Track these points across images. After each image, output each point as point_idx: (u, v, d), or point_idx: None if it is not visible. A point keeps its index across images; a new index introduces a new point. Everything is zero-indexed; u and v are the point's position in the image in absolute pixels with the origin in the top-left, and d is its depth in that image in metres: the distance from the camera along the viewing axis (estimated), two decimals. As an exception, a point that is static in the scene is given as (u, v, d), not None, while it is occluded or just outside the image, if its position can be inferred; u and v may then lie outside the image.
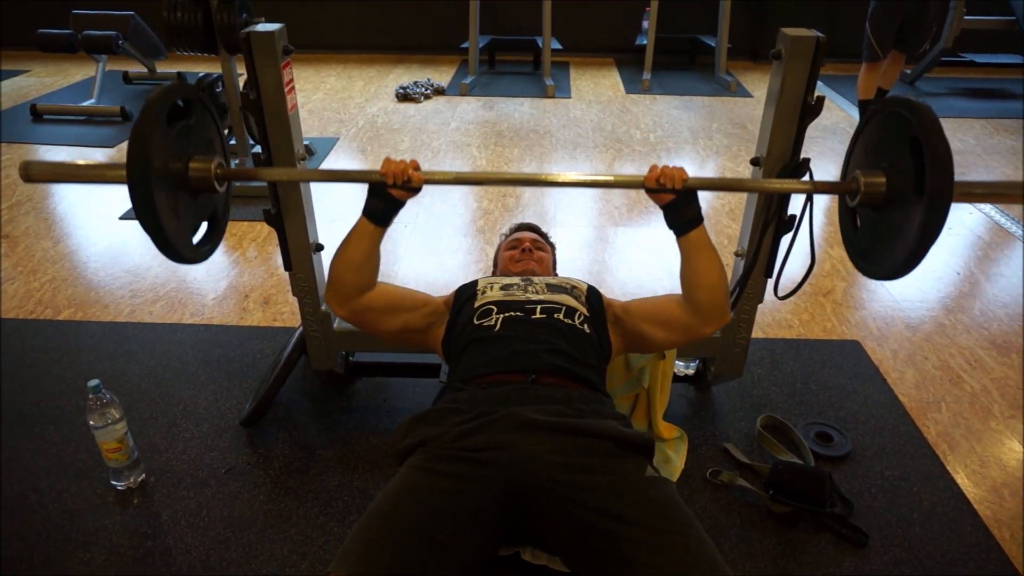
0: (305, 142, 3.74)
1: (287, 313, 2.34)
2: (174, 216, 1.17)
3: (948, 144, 1.07)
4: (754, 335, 2.21)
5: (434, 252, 2.81)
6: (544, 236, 1.80)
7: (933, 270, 2.60)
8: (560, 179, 1.33)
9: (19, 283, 2.50)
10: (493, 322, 1.31)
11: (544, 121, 4.36)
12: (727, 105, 4.69)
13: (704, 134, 4.12)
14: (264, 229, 2.92)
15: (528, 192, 3.31)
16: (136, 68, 5.00)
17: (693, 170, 3.45)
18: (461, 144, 3.95)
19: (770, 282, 1.60)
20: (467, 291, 1.45)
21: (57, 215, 3.03)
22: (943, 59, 5.10)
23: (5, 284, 2.49)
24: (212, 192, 1.23)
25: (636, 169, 3.60)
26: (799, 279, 1.53)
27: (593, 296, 1.45)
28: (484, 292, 1.41)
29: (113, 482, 1.62)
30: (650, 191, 1.27)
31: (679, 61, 5.73)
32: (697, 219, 1.29)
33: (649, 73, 5.12)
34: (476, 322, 1.33)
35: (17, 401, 1.91)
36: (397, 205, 1.29)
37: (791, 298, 2.40)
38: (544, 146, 3.93)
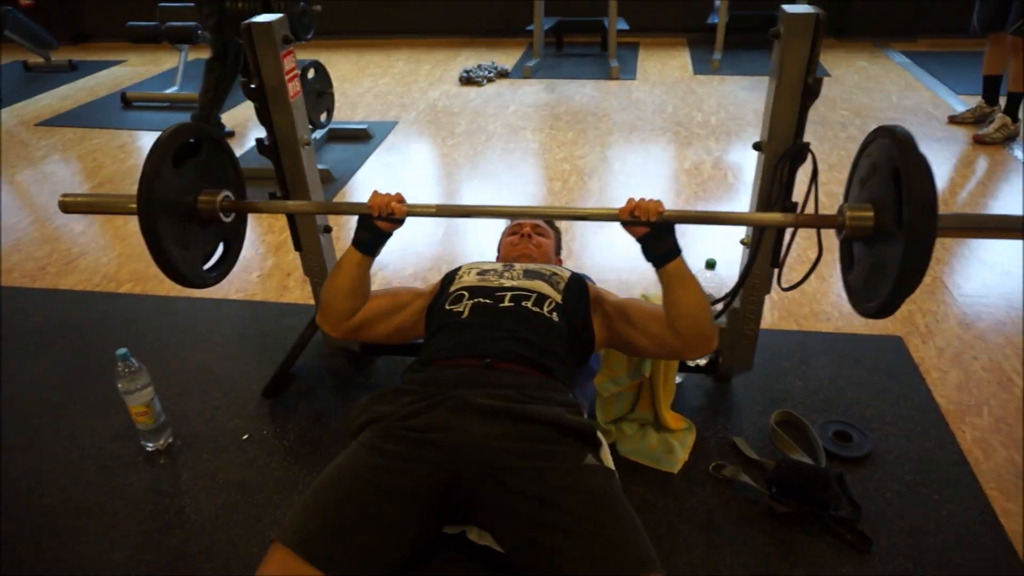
0: (364, 126, 3.89)
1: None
2: (183, 246, 1.30)
3: (929, 176, 1.00)
4: (788, 327, 2.14)
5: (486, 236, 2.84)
6: (548, 222, 1.79)
7: (1000, 263, 2.39)
8: (540, 211, 1.39)
9: (91, 258, 2.73)
10: (462, 308, 1.33)
11: (604, 103, 4.29)
12: (800, 85, 4.44)
13: (770, 116, 3.93)
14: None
15: (592, 177, 3.28)
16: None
17: (749, 156, 3.33)
18: (516, 128, 3.95)
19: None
20: (450, 276, 1.47)
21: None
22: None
23: (78, 259, 2.72)
24: (216, 223, 1.32)
25: (693, 153, 3.49)
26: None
27: (575, 285, 1.43)
28: (461, 277, 1.43)
29: (143, 443, 1.76)
30: (624, 224, 1.26)
31: (755, 40, 5.46)
32: (673, 251, 1.26)
33: (720, 53, 4.93)
34: (447, 307, 1.35)
35: (73, 367, 2.10)
36: (383, 235, 1.35)
37: (830, 290, 2.29)
38: (600, 129, 3.87)
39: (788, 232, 1.44)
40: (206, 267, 1.43)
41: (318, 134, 3.69)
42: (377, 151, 3.69)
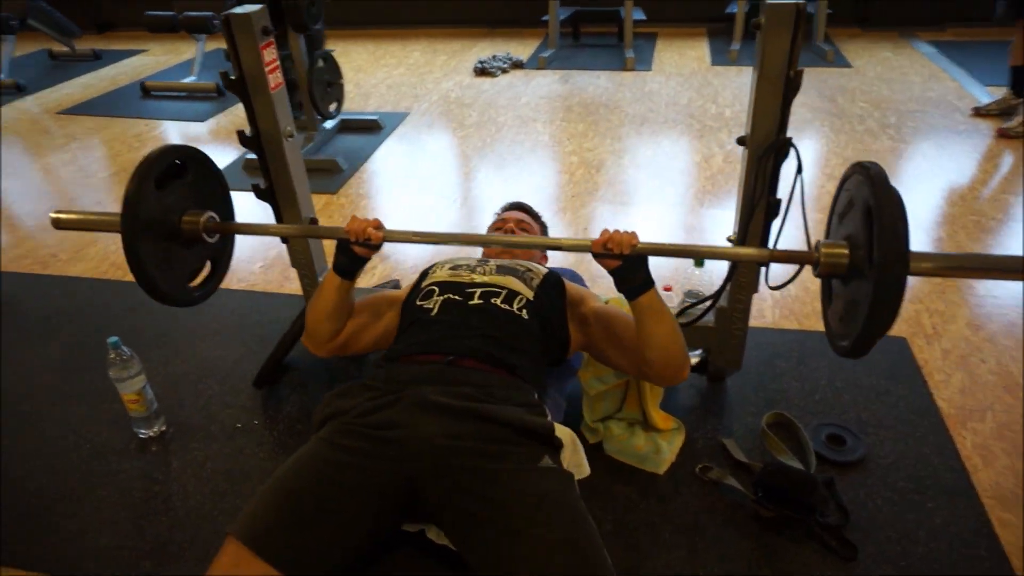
0: (374, 117, 3.88)
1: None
2: (166, 265, 1.33)
3: (900, 216, 0.97)
4: (789, 325, 2.10)
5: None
6: (535, 216, 1.76)
7: (1016, 263, 2.31)
8: (516, 241, 1.42)
9: (100, 246, 2.77)
10: (432, 304, 1.33)
11: (617, 95, 4.23)
12: (820, 76, 4.34)
13: (786, 108, 3.84)
14: (319, 202, 3.04)
15: (600, 170, 3.25)
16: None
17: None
18: (527, 119, 3.92)
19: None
20: (426, 271, 1.46)
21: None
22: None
23: (88, 247, 2.77)
24: (200, 243, 1.34)
25: (704, 146, 3.43)
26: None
27: (551, 283, 1.41)
28: (434, 272, 1.42)
29: (136, 430, 1.78)
30: (596, 256, 1.24)
31: (777, 29, 5.35)
32: (646, 284, 1.24)
33: (739, 43, 4.83)
34: (418, 303, 1.34)
35: (75, 353, 2.13)
36: (360, 260, 1.34)
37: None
38: (611, 121, 3.82)
39: (775, 227, 1.40)
40: (192, 284, 1.46)
41: (328, 124, 3.70)
42: (387, 142, 3.69)
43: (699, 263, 1.70)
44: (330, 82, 3.52)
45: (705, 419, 1.74)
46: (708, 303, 1.50)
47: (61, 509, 1.59)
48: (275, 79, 1.47)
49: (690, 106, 3.97)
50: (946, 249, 2.43)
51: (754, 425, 1.71)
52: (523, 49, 5.28)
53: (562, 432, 1.27)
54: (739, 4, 4.79)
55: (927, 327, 2.04)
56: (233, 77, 1.45)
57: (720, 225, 2.64)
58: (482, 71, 4.79)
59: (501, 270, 1.40)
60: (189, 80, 4.67)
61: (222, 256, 1.52)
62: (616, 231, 1.24)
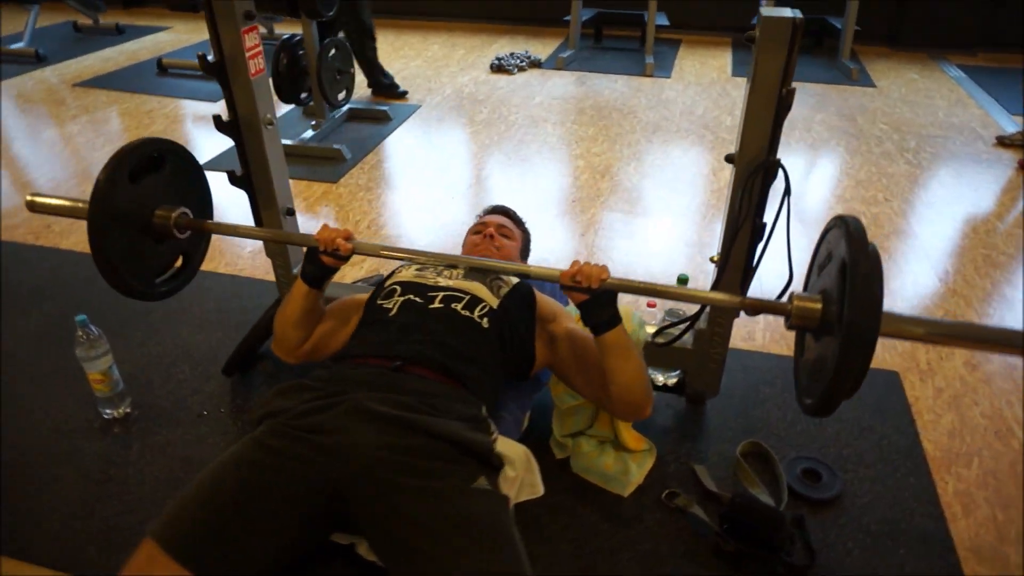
0: (384, 108, 3.85)
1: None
2: (134, 258, 1.31)
3: (875, 273, 0.92)
4: (779, 351, 2.03)
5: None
6: (517, 221, 1.71)
7: (1024, 301, 2.23)
8: (485, 264, 1.34)
9: (95, 220, 2.75)
10: (391, 305, 1.29)
11: (633, 101, 4.16)
12: (842, 95, 4.24)
13: (803, 125, 3.75)
14: (318, 190, 3.02)
15: (605, 176, 3.19)
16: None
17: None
18: (538, 119, 3.86)
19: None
20: (395, 270, 1.42)
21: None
22: None
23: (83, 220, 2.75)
24: (173, 239, 1.31)
25: (714, 159, 3.35)
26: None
27: (521, 294, 1.36)
28: (401, 270, 1.38)
29: (101, 410, 1.76)
30: (564, 288, 1.20)
31: (803, 44, 5.23)
32: (613, 320, 1.21)
33: (762, 55, 4.73)
34: (378, 302, 1.30)
35: (53, 327, 2.12)
36: (328, 270, 1.32)
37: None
38: (622, 127, 3.75)
39: (758, 253, 1.34)
40: (160, 279, 1.44)
41: (337, 113, 3.67)
42: (394, 134, 3.65)
43: (682, 280, 1.64)
44: (340, 70, 3.49)
45: (679, 442, 1.68)
46: (686, 324, 1.44)
47: (15, 486, 1.57)
48: (255, 65, 1.43)
49: (705, 116, 3.90)
50: (951, 283, 2.35)
51: (729, 452, 1.65)
52: (543, 48, 5.22)
53: (515, 450, 1.22)
54: (765, 16, 4.68)
55: (922, 362, 1.96)
56: (212, 60, 1.41)
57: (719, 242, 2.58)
58: (499, 68, 4.74)
59: (469, 275, 1.35)
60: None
61: (195, 252, 1.50)
62: (587, 263, 1.20)
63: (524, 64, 4.82)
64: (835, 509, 1.51)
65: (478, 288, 1.32)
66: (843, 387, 0.96)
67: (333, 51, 3.38)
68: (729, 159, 1.32)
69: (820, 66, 4.78)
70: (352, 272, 2.39)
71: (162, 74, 4.65)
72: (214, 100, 4.16)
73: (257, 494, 0.98)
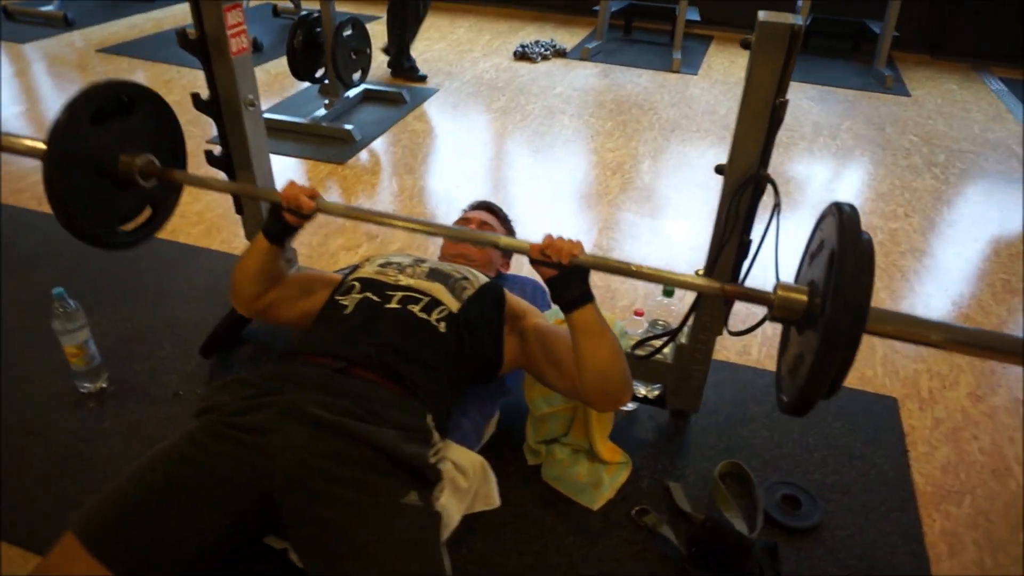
0: (399, 90, 3.80)
1: (304, 255, 2.38)
2: (95, 203, 1.27)
3: (864, 264, 0.85)
4: (773, 367, 1.94)
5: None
6: (502, 218, 1.66)
7: (1041, 333, 2.12)
8: (454, 234, 1.31)
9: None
10: (348, 302, 1.24)
11: (654, 96, 4.06)
12: (873, 102, 4.09)
13: (829, 132, 3.62)
14: (323, 171, 2.98)
15: (616, 173, 3.11)
16: (284, 3, 5.31)
17: (785, 172, 3.08)
18: (555, 110, 3.79)
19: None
20: (359, 264, 1.37)
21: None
22: None
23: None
24: (137, 186, 1.27)
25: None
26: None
27: (488, 296, 1.30)
28: (363, 266, 1.33)
29: (77, 383, 1.75)
30: (533, 262, 1.14)
31: (838, 47, 5.08)
32: (583, 298, 1.14)
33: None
34: (336, 297, 1.26)
35: (47, 295, 2.11)
36: (290, 228, 1.28)
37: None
38: (640, 123, 3.66)
39: (744, 271, 1.27)
40: (125, 229, 1.40)
41: (351, 93, 3.63)
42: (407, 117, 3.61)
43: (667, 292, 1.57)
44: (356, 50, 3.44)
45: (657, 457, 1.63)
46: (665, 338, 1.37)
47: (-17, 455, 1.57)
48: (238, 43, 1.39)
49: (728, 117, 3.78)
50: (965, 308, 2.24)
51: (708, 471, 1.59)
52: (570, 38, 5.12)
53: (468, 459, 1.18)
54: (802, 14, 4.54)
55: (923, 390, 1.87)
56: (192, 36, 1.38)
57: (675, 251, 2.53)
58: (522, 55, 4.66)
59: (432, 275, 1.30)
60: (229, 32, 4.66)
61: (164, 203, 1.45)
62: (559, 238, 1.14)
63: (548, 53, 4.73)
64: (812, 540, 1.44)
65: (439, 290, 1.27)
66: (820, 385, 0.90)
67: (349, 30, 3.34)
68: (719, 170, 1.25)
69: (854, 71, 4.62)
70: (344, 259, 2.36)
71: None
72: (233, 73, 4.15)
73: (182, 492, 0.95)
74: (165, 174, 1.33)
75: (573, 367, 1.21)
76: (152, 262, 2.30)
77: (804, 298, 1.00)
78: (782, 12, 1.14)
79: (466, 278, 1.32)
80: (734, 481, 1.57)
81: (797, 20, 1.11)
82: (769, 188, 1.21)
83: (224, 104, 1.45)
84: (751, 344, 2.01)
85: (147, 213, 1.44)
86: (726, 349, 1.97)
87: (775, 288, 1.04)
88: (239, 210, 1.62)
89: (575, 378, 1.21)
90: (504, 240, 1.17)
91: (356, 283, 1.28)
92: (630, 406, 1.73)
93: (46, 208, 2.55)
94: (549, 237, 1.14)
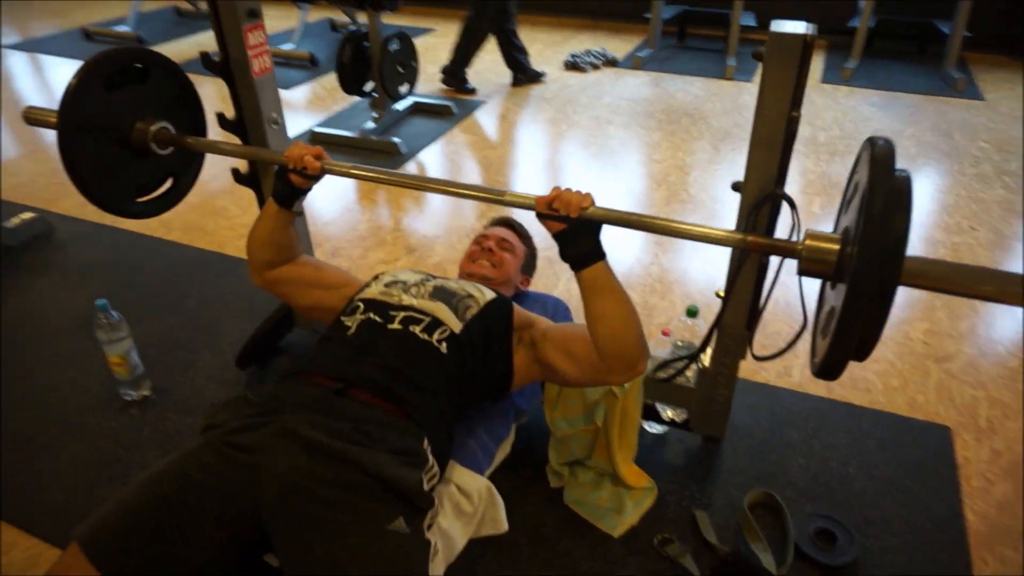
0: (447, 103, 3.83)
1: (344, 266, 2.42)
2: (110, 171, 1.29)
3: (896, 203, 0.76)
4: (815, 391, 1.86)
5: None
6: (523, 235, 1.63)
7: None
8: (446, 188, 1.23)
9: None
10: (351, 323, 1.25)
11: (706, 105, 3.96)
12: (941, 107, 3.87)
13: (891, 140, 3.44)
14: (368, 184, 3.03)
15: (661, 185, 3.05)
16: (342, 17, 5.45)
17: (840, 183, 2.93)
18: (602, 121, 3.74)
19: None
20: (369, 281, 1.38)
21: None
22: None
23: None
24: (154, 154, 1.31)
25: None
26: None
27: (494, 313, 1.28)
28: (370, 285, 1.34)
29: (121, 391, 1.82)
30: (540, 216, 1.10)
31: (905, 49, 4.84)
32: (594, 254, 1.10)
33: (856, 60, 4.40)
34: (341, 318, 1.26)
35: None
36: (296, 190, 1.30)
37: (879, 354, 1.96)
38: (690, 132, 3.58)
39: (765, 290, 1.21)
40: (145, 199, 1.43)
41: (400, 106, 3.69)
42: (453, 129, 3.63)
43: (691, 313, 1.52)
44: (403, 63, 3.49)
45: (684, 483, 1.57)
46: (685, 360, 1.32)
47: (32, 459, 1.65)
48: (260, 64, 1.43)
49: (782, 125, 3.65)
50: (1034, 329, 2.08)
51: (737, 500, 1.52)
52: (622, 46, 5.07)
53: (474, 483, 1.16)
54: (863, 18, 4.35)
55: (981, 419, 1.75)
56: (217, 59, 1.42)
57: (703, 271, 2.42)
58: (573, 65, 4.63)
59: (436, 294, 1.29)
60: (287, 47, 4.81)
61: (185, 173, 1.48)
62: (567, 190, 1.10)
63: (599, 62, 4.69)
64: (846, 579, 1.36)
65: (441, 310, 1.25)
66: (848, 341, 0.81)
67: (396, 44, 3.39)
68: (736, 187, 1.20)
69: (920, 74, 4.39)
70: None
71: (246, 60, 4.82)
72: (286, 87, 4.28)
73: (182, 508, 0.97)
74: (179, 140, 1.35)
75: (587, 352, 1.18)
76: (197, 274, 2.38)
77: (836, 246, 0.91)
78: (795, 21, 1.08)
79: (471, 295, 1.30)
80: (765, 511, 1.49)
81: (809, 30, 1.05)
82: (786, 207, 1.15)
83: (248, 123, 1.49)
84: (792, 364, 1.92)
85: (168, 184, 1.47)
86: (765, 370, 1.89)
87: (804, 237, 0.96)
88: (239, 179, 1.61)
89: (591, 355, 1.17)
90: (510, 195, 1.14)
91: (360, 303, 1.28)
92: (658, 429, 1.68)
93: (107, 221, 2.71)
94: (556, 189, 1.10)
